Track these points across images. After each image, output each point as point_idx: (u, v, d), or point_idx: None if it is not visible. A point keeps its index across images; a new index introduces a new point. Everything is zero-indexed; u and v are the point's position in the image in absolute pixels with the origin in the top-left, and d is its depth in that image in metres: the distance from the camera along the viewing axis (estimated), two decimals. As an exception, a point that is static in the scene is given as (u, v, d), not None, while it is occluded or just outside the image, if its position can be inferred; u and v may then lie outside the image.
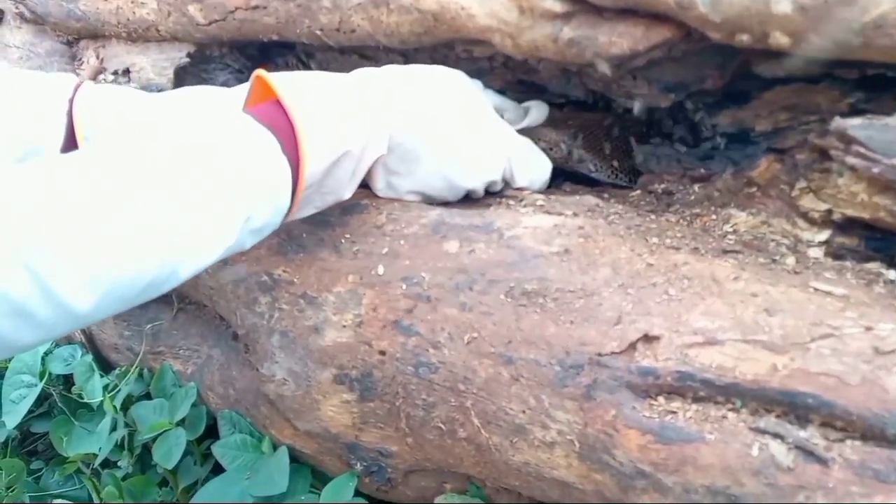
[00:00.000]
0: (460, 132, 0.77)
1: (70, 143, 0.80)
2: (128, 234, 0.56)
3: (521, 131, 0.85)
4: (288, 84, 0.69)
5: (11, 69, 0.83)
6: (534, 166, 0.82)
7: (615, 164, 0.89)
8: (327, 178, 0.70)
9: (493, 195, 0.82)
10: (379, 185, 0.79)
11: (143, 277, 0.57)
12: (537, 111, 0.89)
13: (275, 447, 0.87)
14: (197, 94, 0.87)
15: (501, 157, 0.79)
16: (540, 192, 0.83)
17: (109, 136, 0.81)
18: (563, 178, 0.92)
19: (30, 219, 0.52)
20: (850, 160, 0.62)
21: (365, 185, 0.80)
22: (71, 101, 0.81)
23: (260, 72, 0.71)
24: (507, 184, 0.81)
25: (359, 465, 0.80)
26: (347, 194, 0.74)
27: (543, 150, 0.85)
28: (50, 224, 0.52)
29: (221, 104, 0.85)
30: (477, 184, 0.79)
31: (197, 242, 0.60)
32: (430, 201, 0.80)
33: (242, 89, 0.84)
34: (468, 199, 0.81)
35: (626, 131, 0.92)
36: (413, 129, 0.75)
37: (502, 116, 0.85)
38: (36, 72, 0.85)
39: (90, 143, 0.80)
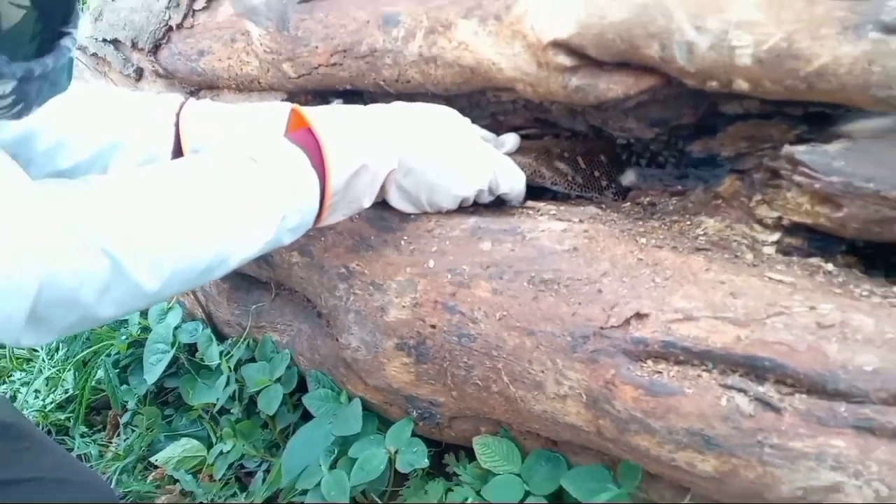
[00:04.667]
0: (455, 152, 0.76)
1: (177, 151, 0.81)
2: (185, 229, 0.56)
3: None
4: (316, 115, 0.70)
5: (132, 91, 0.84)
6: (512, 177, 0.81)
7: (569, 178, 0.89)
8: (349, 189, 0.69)
9: (516, 207, 0.82)
10: (392, 198, 0.77)
11: (199, 264, 0.58)
12: (512, 141, 0.87)
13: (350, 399, 0.88)
14: (264, 108, 0.85)
15: (488, 170, 0.78)
16: (520, 199, 0.82)
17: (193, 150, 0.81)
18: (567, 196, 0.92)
19: (111, 215, 0.52)
20: (797, 178, 0.62)
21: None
22: (178, 116, 0.82)
23: (295, 106, 0.72)
24: (491, 192, 0.80)
25: (415, 412, 0.81)
26: (367, 203, 0.73)
27: None
28: (126, 221, 0.53)
29: (267, 129, 0.83)
30: (470, 192, 0.77)
31: (242, 237, 0.61)
32: (435, 209, 0.79)
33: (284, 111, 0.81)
34: (461, 207, 0.80)
35: (575, 153, 0.92)
36: (418, 150, 0.74)
37: None
38: (150, 94, 0.86)
39: (194, 150, 0.80)
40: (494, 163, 0.79)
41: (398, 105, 0.79)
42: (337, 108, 0.74)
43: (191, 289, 0.63)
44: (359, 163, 0.69)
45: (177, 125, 0.82)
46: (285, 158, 0.65)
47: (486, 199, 0.81)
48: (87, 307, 0.52)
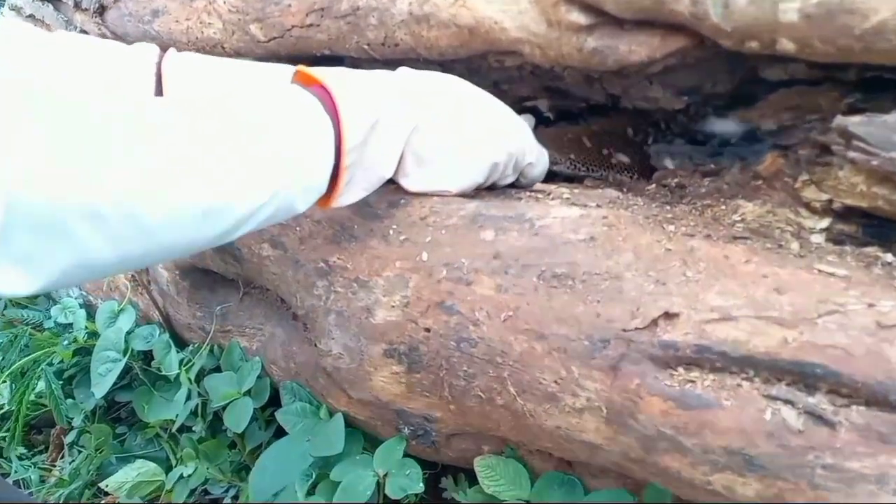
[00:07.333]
0: (481, 108, 0.76)
1: None
2: (170, 174, 0.54)
3: None
4: (325, 72, 0.70)
5: (102, 40, 0.85)
6: (540, 148, 0.82)
7: (572, 156, 0.89)
8: (366, 149, 0.69)
9: (522, 190, 0.81)
10: (409, 170, 0.75)
11: (200, 203, 0.56)
12: (527, 121, 0.87)
13: (331, 414, 0.87)
14: (264, 67, 0.86)
15: (519, 129, 0.77)
16: (540, 178, 0.83)
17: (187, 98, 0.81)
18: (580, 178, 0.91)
19: (104, 147, 0.50)
20: (851, 154, 0.60)
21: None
22: (158, 65, 0.82)
23: (301, 67, 0.72)
24: (517, 165, 0.80)
25: (406, 429, 0.80)
26: (388, 171, 0.72)
27: None
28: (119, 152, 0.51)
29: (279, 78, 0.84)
30: (502, 156, 0.76)
31: (249, 181, 0.59)
32: (459, 183, 0.77)
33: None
34: (483, 190, 0.79)
35: (582, 133, 0.93)
36: (438, 109, 0.73)
37: None
38: (121, 43, 0.86)
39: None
40: (526, 128, 0.79)
41: (404, 69, 0.78)
42: (345, 69, 0.74)
43: (200, 235, 0.59)
44: (374, 116, 0.68)
45: (158, 74, 0.82)
46: (295, 100, 0.65)
47: (511, 173, 0.80)
48: (80, 240, 0.49)
